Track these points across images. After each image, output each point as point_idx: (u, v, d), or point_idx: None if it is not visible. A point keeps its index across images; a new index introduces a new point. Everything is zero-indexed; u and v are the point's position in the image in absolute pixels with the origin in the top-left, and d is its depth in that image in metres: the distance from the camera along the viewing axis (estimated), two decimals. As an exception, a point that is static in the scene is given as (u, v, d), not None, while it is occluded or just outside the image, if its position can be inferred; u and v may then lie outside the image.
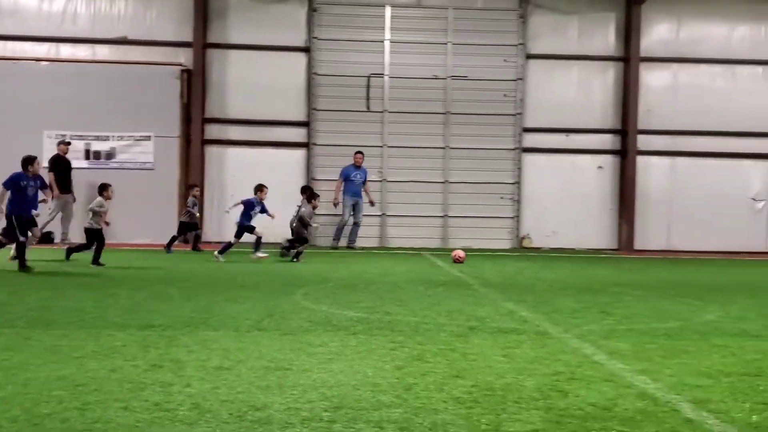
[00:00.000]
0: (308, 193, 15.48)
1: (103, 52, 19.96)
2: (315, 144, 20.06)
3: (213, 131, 20.07)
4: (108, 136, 19.24)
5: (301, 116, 20.12)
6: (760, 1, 20.65)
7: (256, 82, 19.93)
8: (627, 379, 5.09)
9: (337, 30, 19.98)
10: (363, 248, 19.00)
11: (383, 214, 20.07)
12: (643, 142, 20.43)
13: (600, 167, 20.67)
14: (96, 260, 12.69)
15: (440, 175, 20.23)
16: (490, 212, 20.31)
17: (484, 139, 20.14)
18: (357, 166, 19.02)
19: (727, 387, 4.95)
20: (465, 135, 20.14)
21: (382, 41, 20.11)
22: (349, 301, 8.77)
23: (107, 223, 13.36)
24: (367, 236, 19.80)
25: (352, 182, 18.97)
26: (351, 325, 7.00)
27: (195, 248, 16.79)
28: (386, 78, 20.10)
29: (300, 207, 15.16)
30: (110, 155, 19.25)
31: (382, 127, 20.11)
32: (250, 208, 15.06)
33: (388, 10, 20.16)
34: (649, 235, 20.58)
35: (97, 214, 13.07)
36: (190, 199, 17.02)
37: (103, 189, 13.39)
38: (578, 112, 20.57)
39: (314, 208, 15.38)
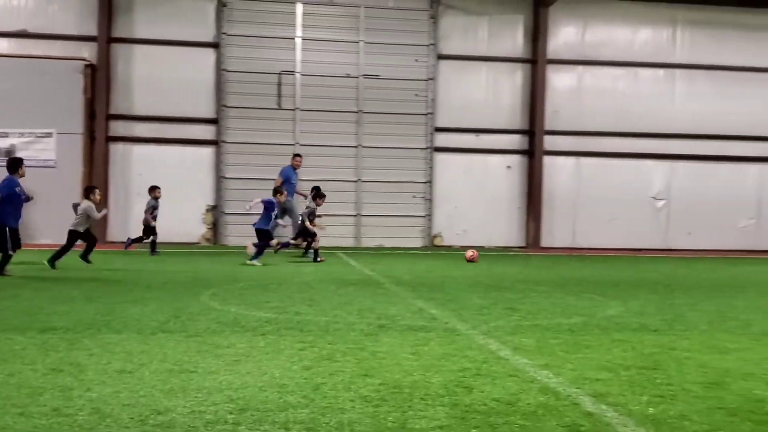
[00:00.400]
0: (314, 192, 15.57)
1: (1, 45, 19.19)
2: (224, 142, 19.79)
3: (118, 128, 19.55)
4: (7, 133, 18.51)
5: (209, 113, 19.82)
6: (662, 6, 21.42)
7: (163, 77, 19.53)
8: (530, 374, 5.19)
9: (247, 26, 19.76)
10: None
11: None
12: (550, 142, 20.94)
13: (509, 167, 21.08)
14: (85, 256, 12.64)
15: (353, 173, 20.26)
16: (402, 211, 20.46)
17: (397, 138, 20.27)
18: (295, 169, 18.80)
19: (626, 380, 5.11)
20: (377, 134, 20.22)
21: (293, 38, 20.01)
22: (258, 302, 8.67)
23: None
24: (278, 235, 19.62)
25: (291, 185, 18.73)
26: (259, 326, 6.92)
27: (153, 251, 16.04)
28: (298, 75, 20.00)
29: (307, 206, 15.31)
30: (9, 152, 18.48)
31: (293, 125, 20.01)
32: (270, 209, 14.42)
33: (299, 7, 20.06)
34: (555, 233, 21.11)
35: (89, 218, 12.70)
36: (151, 202, 16.34)
37: (90, 192, 12.93)
38: (488, 112, 20.93)
39: (317, 206, 15.51)
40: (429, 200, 20.66)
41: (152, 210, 16.07)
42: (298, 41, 20.03)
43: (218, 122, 19.76)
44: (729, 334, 7.16)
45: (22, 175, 11.38)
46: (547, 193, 21.00)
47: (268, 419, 4.01)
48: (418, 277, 12.28)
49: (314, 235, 15.33)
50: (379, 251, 18.56)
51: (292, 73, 19.97)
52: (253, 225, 14.41)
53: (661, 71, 21.64)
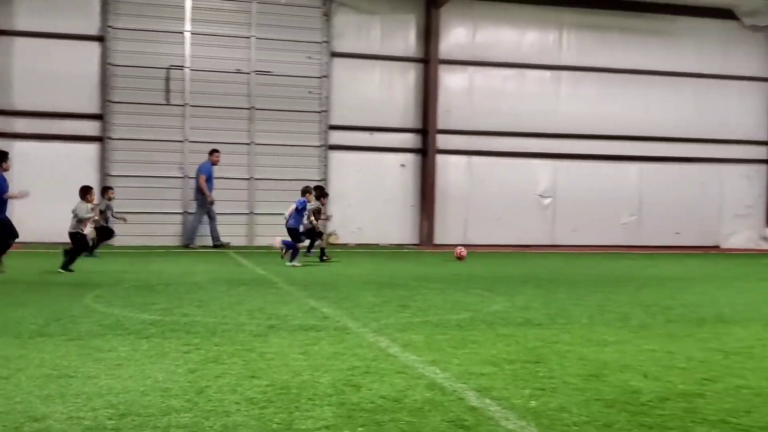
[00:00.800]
0: (317, 192, 15.44)
1: None
2: (110, 138, 19.15)
3: (-4, 123, 18.68)
4: None
5: (94, 108, 19.13)
6: (549, 9, 22.05)
7: (44, 71, 18.74)
8: (418, 371, 5.24)
9: (133, 19, 19.17)
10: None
11: (185, 212, 19.50)
12: (443, 141, 21.25)
13: (402, 165, 21.27)
14: (67, 266, 11.88)
15: (245, 171, 20.00)
16: (295, 209, 20.29)
17: (290, 135, 20.13)
18: (214, 164, 18.68)
19: (509, 374, 5.23)
20: (270, 131, 20.03)
21: (183, 32, 19.56)
22: (144, 303, 8.44)
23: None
24: (168, 234, 19.22)
25: (212, 182, 18.58)
26: (144, 329, 6.74)
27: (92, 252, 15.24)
28: (187, 70, 19.57)
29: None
30: None
31: (183, 121, 19.57)
32: (303, 209, 14.13)
33: (188, 1, 19.62)
34: (448, 230, 21.43)
35: (81, 220, 12.38)
36: (104, 203, 15.53)
37: (86, 192, 12.69)
38: (382, 111, 21.05)
39: (322, 205, 15.47)
40: (323, 198, 20.59)
41: (106, 211, 15.49)
42: (188, 35, 19.59)
43: (103, 118, 19.12)
44: (608, 327, 7.43)
45: (6, 170, 11.05)
46: (440, 192, 21.31)
47: (150, 424, 3.91)
48: (311, 275, 12.24)
49: (320, 234, 15.46)
50: (273, 250, 18.40)
51: (181, 68, 19.52)
52: (286, 225, 14.06)
53: (548, 73, 22.28)
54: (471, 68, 21.73)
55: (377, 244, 20.78)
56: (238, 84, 19.85)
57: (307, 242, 14.88)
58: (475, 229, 21.61)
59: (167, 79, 19.37)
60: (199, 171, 18.64)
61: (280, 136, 20.07)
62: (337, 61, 20.70)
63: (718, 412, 4.45)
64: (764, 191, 24.03)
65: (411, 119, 21.33)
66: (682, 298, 9.98)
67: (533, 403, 4.50)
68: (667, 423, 4.19)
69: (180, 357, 5.54)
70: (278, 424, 3.97)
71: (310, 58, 20.33)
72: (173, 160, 19.12)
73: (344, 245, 20.49)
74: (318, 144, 20.48)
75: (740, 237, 23.48)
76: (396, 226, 21.24)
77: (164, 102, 19.40)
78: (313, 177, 20.35)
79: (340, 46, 20.75)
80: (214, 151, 18.83)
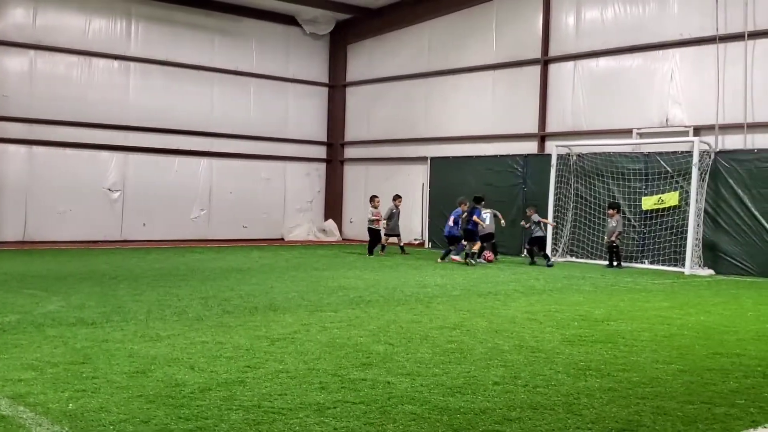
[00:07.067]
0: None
1: None
2: None
3: None
4: None
5: None
6: (115, -3, 21.44)
7: None
8: (-57, 384, 4.76)
9: None
10: None
11: None
12: (0, 129, 19.47)
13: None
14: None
15: None
16: None
17: None
18: None
19: (50, 378, 5.00)
20: None
21: None
22: None
23: None
24: None
25: None
26: None
27: None
28: None
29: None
30: None
31: None
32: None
33: None
34: (5, 227, 19.67)
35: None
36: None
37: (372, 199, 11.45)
38: None
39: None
40: None
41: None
42: None
43: None
44: (164, 322, 7.50)
45: None
46: (-4, 184, 19.50)
47: None
48: None
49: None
50: None
51: None
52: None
53: (116, 63, 21.61)
54: (32, 52, 20.18)
55: None
56: None
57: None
58: (36, 225, 20.13)
59: None
60: None
61: None
62: None
63: (255, 397, 4.75)
64: (323, 188, 26.17)
65: (-42, 104, 19.18)
66: (240, 289, 10.43)
67: (71, 406, 4.37)
68: (205, 413, 4.35)
69: None
70: None
71: None
72: None
73: None
74: None
75: (302, 229, 25.27)
76: (-59, 221, 18.92)
77: None
78: None
79: None
80: None
